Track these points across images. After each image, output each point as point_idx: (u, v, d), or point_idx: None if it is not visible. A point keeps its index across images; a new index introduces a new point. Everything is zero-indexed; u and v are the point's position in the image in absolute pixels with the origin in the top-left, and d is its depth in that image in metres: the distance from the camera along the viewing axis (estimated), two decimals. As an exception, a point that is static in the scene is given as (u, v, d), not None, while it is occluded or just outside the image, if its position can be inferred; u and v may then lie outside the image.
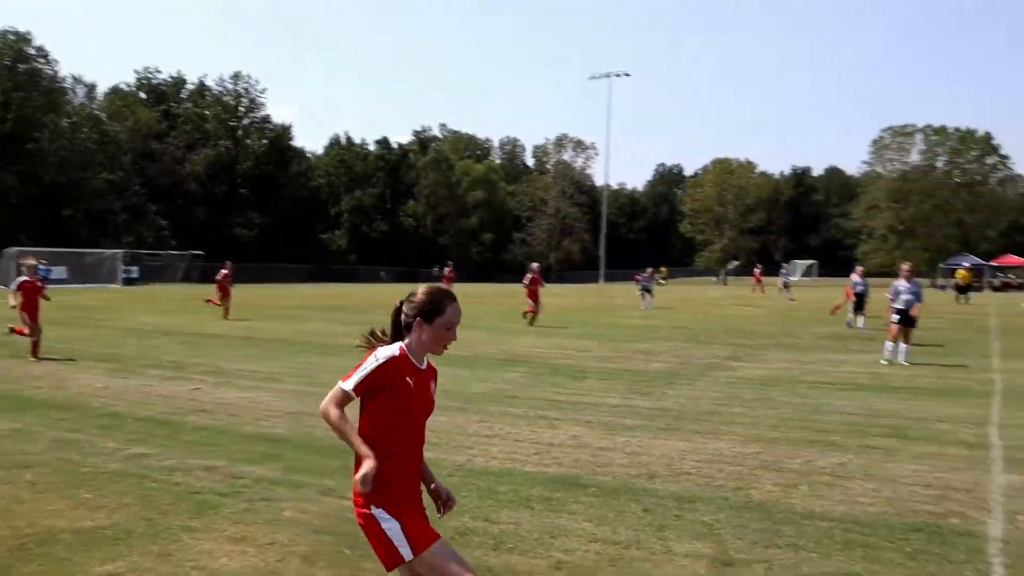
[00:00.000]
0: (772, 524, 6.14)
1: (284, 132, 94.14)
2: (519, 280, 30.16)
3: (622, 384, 13.24)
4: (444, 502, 3.86)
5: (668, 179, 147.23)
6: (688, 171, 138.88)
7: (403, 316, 3.78)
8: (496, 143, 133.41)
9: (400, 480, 3.61)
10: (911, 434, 9.49)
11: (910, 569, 5.29)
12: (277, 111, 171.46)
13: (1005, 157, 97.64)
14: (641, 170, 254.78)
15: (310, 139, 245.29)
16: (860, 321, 24.67)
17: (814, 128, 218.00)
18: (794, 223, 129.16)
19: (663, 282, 76.98)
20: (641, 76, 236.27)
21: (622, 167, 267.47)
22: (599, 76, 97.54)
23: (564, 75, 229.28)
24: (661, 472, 7.64)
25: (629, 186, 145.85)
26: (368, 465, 3.47)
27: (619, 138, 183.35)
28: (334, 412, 3.55)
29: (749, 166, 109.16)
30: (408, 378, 3.64)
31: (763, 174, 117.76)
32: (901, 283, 16.88)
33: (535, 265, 27.41)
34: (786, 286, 50.06)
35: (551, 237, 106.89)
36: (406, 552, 3.49)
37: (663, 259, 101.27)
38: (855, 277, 25.72)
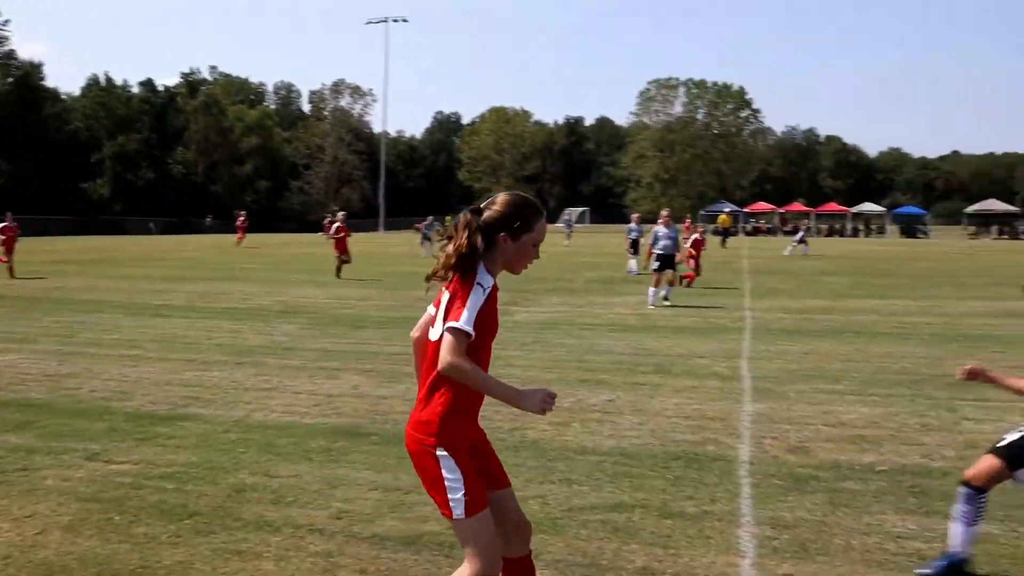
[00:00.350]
0: (546, 461, 6.42)
1: (33, 70, 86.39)
2: (298, 229, 29.33)
3: (402, 332, 13.25)
4: None
5: (446, 127, 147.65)
6: (466, 119, 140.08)
7: (480, 229, 3.23)
8: (270, 88, 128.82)
9: (471, 418, 3.30)
10: (673, 370, 10.16)
11: (671, 494, 5.70)
12: (24, 47, 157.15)
13: (757, 111, 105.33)
14: (420, 117, 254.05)
15: (65, 79, 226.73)
16: (633, 264, 25.93)
17: (586, 79, 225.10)
18: (567, 171, 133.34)
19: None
20: (419, 22, 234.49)
21: (401, 114, 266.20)
22: (377, 21, 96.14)
23: (341, 19, 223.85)
24: (442, 417, 7.76)
25: (408, 133, 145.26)
26: (534, 393, 3.12)
27: (397, 85, 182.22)
28: (467, 363, 3.05)
29: (525, 115, 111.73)
30: (496, 303, 3.25)
31: (538, 123, 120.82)
32: (660, 229, 17.84)
33: (341, 213, 26.47)
34: (570, 233, 52.09)
35: (329, 185, 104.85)
36: (458, 511, 3.18)
37: (442, 207, 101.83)
38: (632, 224, 26.98)
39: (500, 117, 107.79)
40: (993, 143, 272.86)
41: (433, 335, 3.24)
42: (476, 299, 3.10)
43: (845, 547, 4.83)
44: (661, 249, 17.45)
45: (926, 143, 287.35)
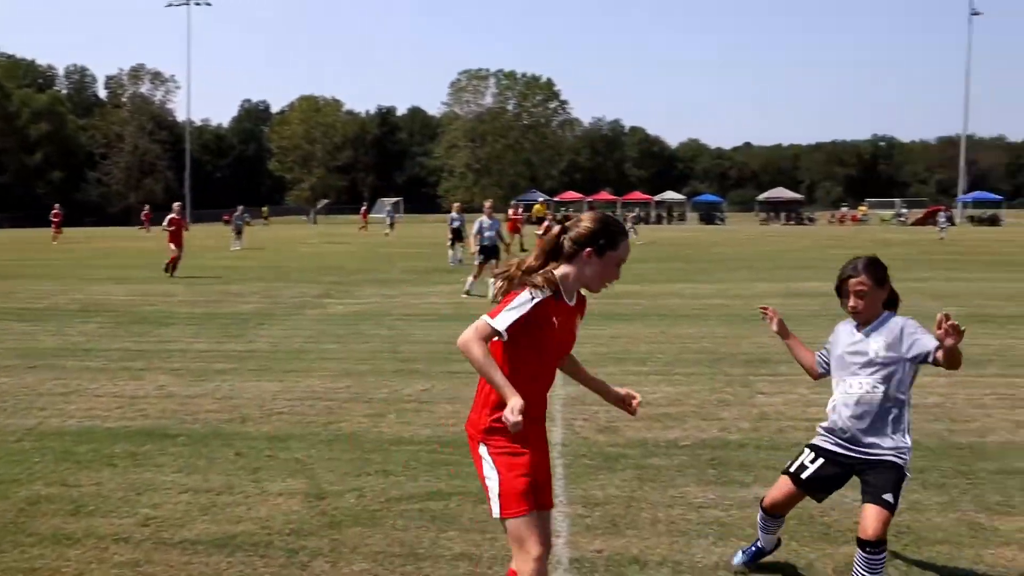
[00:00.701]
0: (362, 453, 6.38)
1: None
2: (99, 222, 27.45)
3: (211, 328, 12.85)
4: (628, 403, 3.73)
5: (255, 116, 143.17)
6: (275, 108, 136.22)
7: (566, 244, 3.32)
8: (61, 71, 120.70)
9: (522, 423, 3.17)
10: (488, 357, 10.28)
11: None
12: None
13: (565, 102, 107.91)
14: (226, 106, 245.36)
15: None
16: (458, 253, 25.92)
17: (398, 68, 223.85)
18: (380, 161, 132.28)
19: (265, 222, 76.38)
20: (223, 5, 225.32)
21: (206, 102, 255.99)
22: (178, 3, 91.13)
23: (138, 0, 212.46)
24: (253, 414, 7.58)
25: (214, 122, 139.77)
26: (515, 404, 3.03)
27: (202, 71, 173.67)
28: (479, 349, 3.12)
29: (336, 104, 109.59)
30: (555, 317, 3.26)
31: (350, 112, 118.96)
32: (485, 219, 17.95)
33: (176, 205, 24.65)
34: (391, 224, 51.57)
35: (130, 176, 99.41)
36: (495, 509, 3.23)
37: (253, 198, 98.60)
38: (453, 214, 26.99)
39: (310, 106, 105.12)
40: (780, 135, 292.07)
41: None
42: (521, 304, 3.16)
43: (652, 520, 5.07)
44: (486, 240, 17.54)
45: (721, 135, 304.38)
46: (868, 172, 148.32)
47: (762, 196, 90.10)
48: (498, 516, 3.25)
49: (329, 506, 5.30)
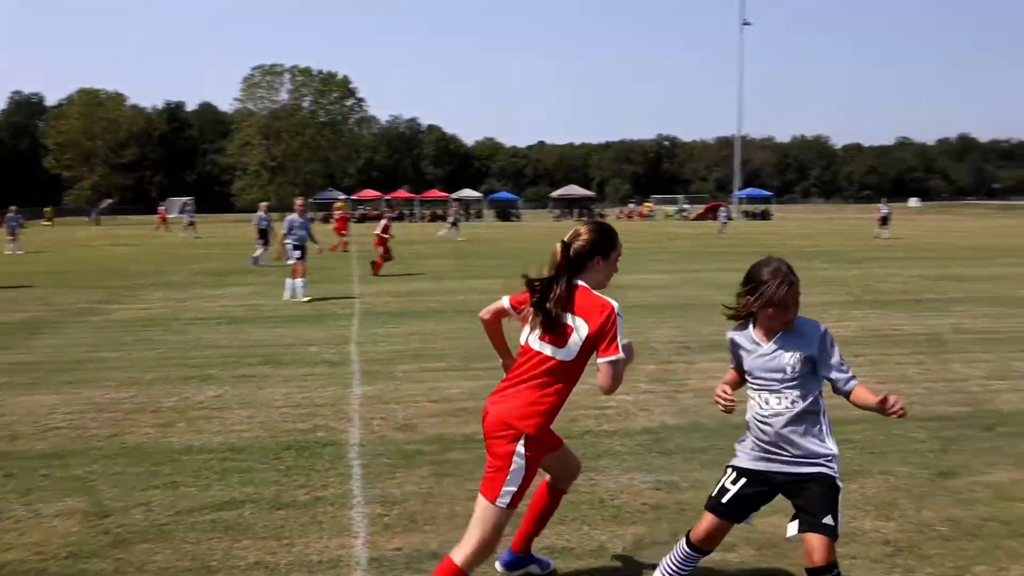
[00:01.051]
0: (150, 466, 6.09)
1: None
2: None
3: (-22, 340, 11.88)
4: None
5: (27, 109, 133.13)
6: (50, 101, 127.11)
7: (574, 257, 3.77)
8: None
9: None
10: (283, 359, 10.09)
11: (283, 485, 5.68)
12: None
13: (361, 100, 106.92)
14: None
15: None
16: (264, 256, 25.07)
17: (186, 63, 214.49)
18: (169, 159, 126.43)
19: (47, 223, 71.45)
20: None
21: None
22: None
23: None
24: (26, 431, 7.07)
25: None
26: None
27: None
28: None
29: (119, 98, 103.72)
30: None
31: (135, 107, 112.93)
32: (295, 217, 17.34)
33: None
34: (192, 224, 49.12)
35: None
36: (503, 501, 3.56)
37: (27, 197, 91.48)
38: (260, 213, 26.18)
39: (91, 100, 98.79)
40: (572, 134, 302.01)
41: (533, 343, 3.78)
42: (620, 325, 3.64)
43: (451, 514, 5.13)
44: (296, 239, 16.93)
45: (516, 133, 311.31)
46: (653, 170, 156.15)
47: (556, 193, 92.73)
48: (504, 506, 3.57)
49: (113, 524, 5.03)
